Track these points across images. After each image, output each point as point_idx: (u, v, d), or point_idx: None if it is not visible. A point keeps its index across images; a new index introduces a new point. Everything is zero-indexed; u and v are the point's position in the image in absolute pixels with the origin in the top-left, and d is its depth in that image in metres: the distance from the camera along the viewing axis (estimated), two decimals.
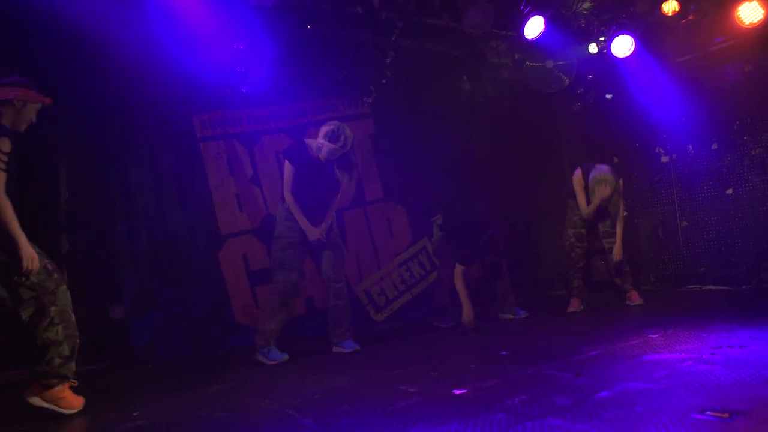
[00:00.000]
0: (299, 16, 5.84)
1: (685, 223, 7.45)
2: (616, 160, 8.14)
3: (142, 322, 5.66)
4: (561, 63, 7.25)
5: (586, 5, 6.72)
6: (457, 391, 3.12)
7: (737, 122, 6.94)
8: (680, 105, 7.37)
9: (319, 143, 4.92)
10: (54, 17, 4.81)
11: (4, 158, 3.36)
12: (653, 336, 4.18)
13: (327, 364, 4.59)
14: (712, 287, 6.90)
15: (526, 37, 6.47)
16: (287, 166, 5.04)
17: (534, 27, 6.38)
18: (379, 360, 4.60)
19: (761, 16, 6.17)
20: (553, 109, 8.22)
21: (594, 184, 5.97)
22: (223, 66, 5.86)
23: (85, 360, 4.59)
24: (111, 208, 5.78)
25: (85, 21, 4.89)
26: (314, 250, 5.10)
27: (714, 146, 7.15)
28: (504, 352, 4.22)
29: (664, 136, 7.64)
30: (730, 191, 7.01)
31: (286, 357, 4.86)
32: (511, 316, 6.16)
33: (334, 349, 5.05)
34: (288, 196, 5.01)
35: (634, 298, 6.08)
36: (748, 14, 6.22)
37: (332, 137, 4.88)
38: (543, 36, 6.47)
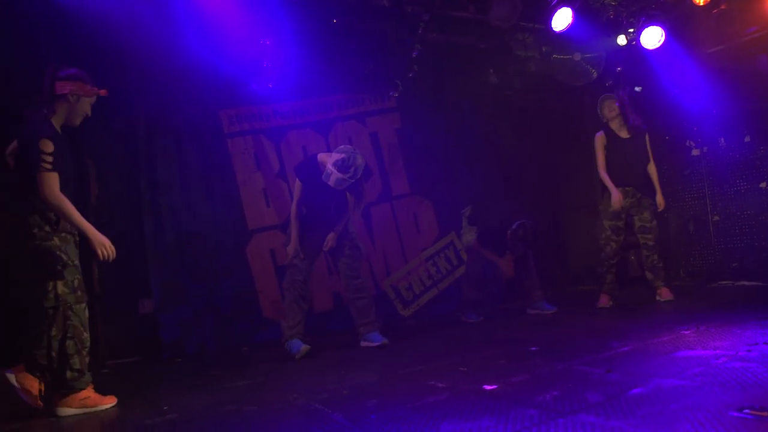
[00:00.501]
0: (325, 10, 5.83)
1: (716, 217, 7.33)
2: None
3: (170, 317, 5.72)
4: (589, 55, 7.17)
5: None
6: (487, 387, 3.09)
7: None
8: (711, 96, 7.24)
9: (329, 170, 4.77)
10: (79, 12, 4.85)
11: (49, 158, 3.41)
12: (685, 332, 4.11)
13: (355, 359, 4.58)
14: (745, 283, 6.78)
15: (554, 29, 6.39)
16: (297, 183, 5.08)
17: (562, 19, 6.30)
18: (406, 355, 4.58)
19: None
20: (580, 102, 8.13)
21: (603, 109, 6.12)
22: (249, 61, 5.90)
23: (114, 354, 4.67)
24: (139, 204, 5.84)
25: (111, 17, 4.94)
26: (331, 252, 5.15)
27: (747, 138, 7.01)
28: (533, 348, 4.18)
29: (695, 128, 7.51)
30: (763, 184, 6.87)
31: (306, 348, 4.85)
32: (538, 311, 6.11)
33: (362, 343, 5.05)
34: (293, 209, 5.05)
35: (665, 294, 5.98)
36: None
37: (342, 167, 4.72)
38: (571, 28, 6.39)
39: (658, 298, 6.01)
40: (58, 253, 3.51)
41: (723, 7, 6.55)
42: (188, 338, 5.75)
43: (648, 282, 6.16)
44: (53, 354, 3.47)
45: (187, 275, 5.87)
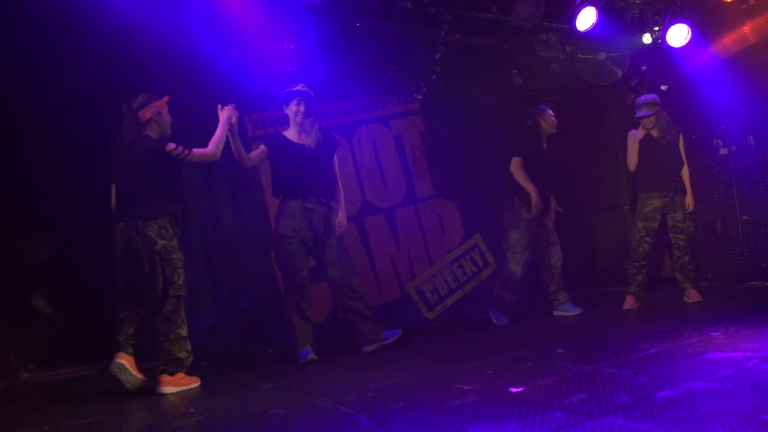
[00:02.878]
0: (348, 13, 5.85)
1: (745, 217, 7.21)
2: None
3: (196, 320, 5.74)
4: (613, 54, 7.12)
5: None
6: (514, 389, 3.08)
7: None
8: (739, 95, 7.13)
9: (290, 112, 4.97)
10: (101, 16, 4.92)
11: (179, 148, 4.15)
12: (714, 334, 4.06)
13: (379, 362, 4.58)
14: None
15: (578, 29, 6.36)
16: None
17: (586, 18, 6.26)
18: (432, 357, 4.58)
19: None
20: (605, 102, 8.06)
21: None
22: (273, 66, 5.93)
23: (142, 357, 4.70)
24: None
25: (136, 22, 4.99)
26: (315, 249, 5.03)
27: None
28: (560, 350, 4.15)
29: (723, 127, 7.40)
30: None
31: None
32: (564, 313, 6.07)
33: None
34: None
35: (692, 296, 5.92)
36: None
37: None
38: (595, 27, 6.36)
39: (685, 299, 5.94)
40: (180, 251, 4.24)
41: (751, 2, 6.47)
42: (213, 341, 5.79)
43: (677, 282, 6.10)
44: (171, 336, 4.13)
45: (212, 278, 5.92)
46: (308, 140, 5.01)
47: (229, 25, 5.44)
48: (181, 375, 4.17)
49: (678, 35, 6.70)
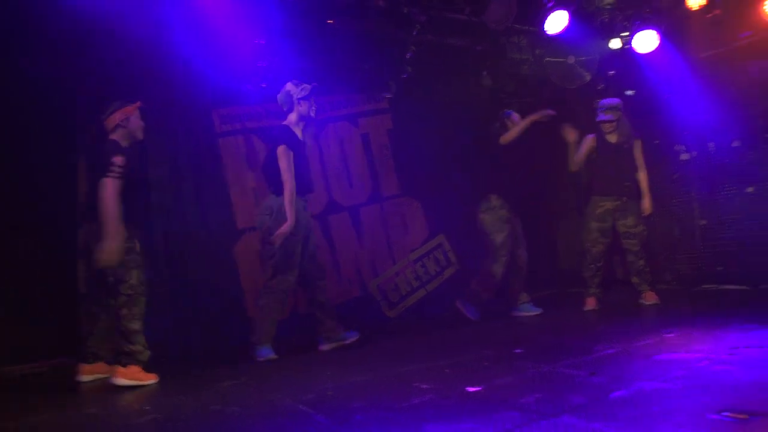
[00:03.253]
0: (320, 10, 5.84)
1: (703, 221, 7.36)
2: None
3: (155, 316, 5.64)
4: (583, 59, 7.21)
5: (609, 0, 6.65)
6: (471, 389, 3.11)
7: (760, 120, 6.83)
8: (702, 101, 7.27)
9: (303, 109, 4.96)
10: (65, 9, 4.84)
11: (118, 170, 4.11)
12: (669, 335, 4.14)
13: (339, 360, 4.60)
14: (730, 287, 6.81)
15: (548, 32, 6.42)
16: (284, 151, 4.79)
17: (557, 22, 6.32)
18: (392, 356, 4.60)
19: None
20: (573, 106, 8.15)
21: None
22: (243, 61, 5.89)
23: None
24: None
25: (99, 14, 4.91)
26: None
27: (736, 144, 7.05)
28: (519, 350, 4.20)
29: (685, 133, 7.54)
30: (750, 189, 6.90)
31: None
32: (525, 313, 6.13)
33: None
34: (286, 182, 4.75)
35: (650, 298, 6.03)
36: None
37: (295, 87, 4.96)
38: (565, 31, 6.42)
39: (643, 301, 6.05)
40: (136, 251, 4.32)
41: (717, 11, 6.59)
42: (173, 337, 5.70)
43: (633, 286, 6.19)
44: (122, 329, 4.21)
45: (174, 274, 5.85)
46: (306, 138, 5.08)
47: (199, 18, 5.39)
48: (135, 369, 4.18)
49: (646, 41, 6.79)
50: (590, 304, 6.11)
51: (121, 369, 4.15)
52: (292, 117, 5.03)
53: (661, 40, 6.76)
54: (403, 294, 7.07)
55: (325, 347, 5.02)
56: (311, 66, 6.36)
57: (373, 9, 5.84)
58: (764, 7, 6.19)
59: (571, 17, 6.35)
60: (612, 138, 6.18)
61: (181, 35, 5.39)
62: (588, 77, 7.29)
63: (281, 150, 4.79)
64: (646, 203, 6.18)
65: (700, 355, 3.43)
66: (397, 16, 6.01)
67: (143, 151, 5.83)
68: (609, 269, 6.27)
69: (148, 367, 4.25)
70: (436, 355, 4.36)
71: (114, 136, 4.32)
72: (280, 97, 5.07)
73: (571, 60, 7.26)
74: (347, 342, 5.02)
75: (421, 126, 7.40)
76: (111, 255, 4.05)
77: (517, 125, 6.18)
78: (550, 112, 6.05)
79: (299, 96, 4.98)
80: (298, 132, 5.02)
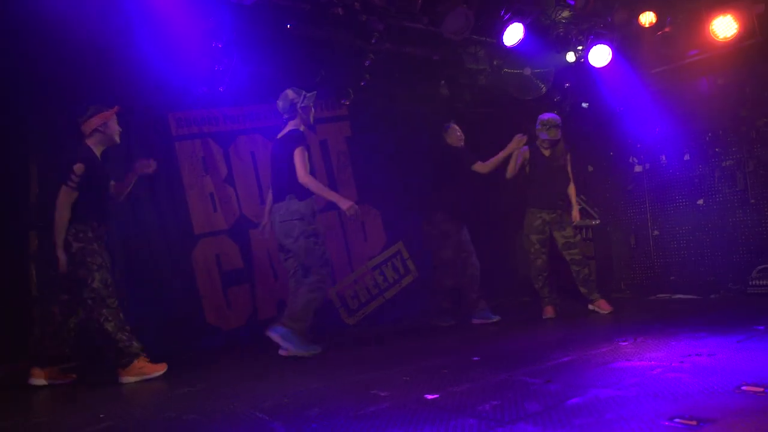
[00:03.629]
0: (279, 15, 5.79)
1: (656, 232, 7.54)
2: (590, 168, 8.24)
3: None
4: (539, 71, 7.32)
5: (565, 14, 6.77)
6: (429, 396, 3.11)
7: (709, 134, 7.05)
8: (654, 115, 7.48)
9: (310, 116, 5.09)
10: (21, 11, 4.74)
11: (76, 179, 4.20)
12: (623, 344, 4.21)
13: (299, 367, 4.55)
14: (681, 296, 6.99)
15: (505, 44, 6.49)
16: (301, 152, 4.87)
17: (513, 34, 6.40)
18: (350, 363, 4.58)
19: (734, 31, 6.28)
20: (529, 117, 8.26)
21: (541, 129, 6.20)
22: (200, 64, 5.81)
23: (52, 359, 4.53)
24: None
25: (54, 14, 4.80)
26: None
27: (686, 157, 7.26)
28: (476, 358, 4.22)
29: (638, 145, 7.73)
30: (701, 202, 7.12)
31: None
32: (482, 321, 6.17)
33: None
34: (309, 179, 4.85)
35: (603, 306, 6.12)
36: (723, 28, 6.34)
37: (297, 95, 5.01)
38: (522, 43, 6.50)
39: (595, 308, 6.14)
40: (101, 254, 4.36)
41: (667, 29, 6.78)
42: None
43: (582, 296, 6.28)
44: (104, 333, 4.31)
45: (130, 279, 5.74)
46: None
47: (156, 21, 5.30)
48: (137, 364, 4.33)
49: (600, 56, 6.95)
50: (548, 312, 6.18)
51: (121, 369, 4.30)
52: (297, 124, 5.09)
53: (615, 54, 6.93)
54: (362, 301, 7.05)
55: (285, 353, 4.91)
56: (268, 71, 6.32)
57: (331, 17, 5.82)
58: (711, 27, 6.39)
59: (528, 30, 6.44)
60: (547, 152, 6.29)
61: (138, 37, 5.30)
62: (544, 89, 7.40)
63: (299, 151, 4.86)
64: (574, 213, 6.30)
65: (653, 363, 3.50)
66: (355, 24, 6.00)
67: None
68: (568, 277, 6.34)
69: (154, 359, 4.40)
70: (394, 362, 4.36)
71: (90, 141, 4.45)
72: (280, 103, 5.10)
73: (528, 71, 7.36)
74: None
75: (380, 133, 7.41)
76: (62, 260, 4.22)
77: (456, 137, 6.36)
78: (521, 136, 6.10)
79: (303, 104, 5.04)
80: None
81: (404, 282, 7.30)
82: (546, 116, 6.29)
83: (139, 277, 5.80)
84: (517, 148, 6.07)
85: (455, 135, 6.40)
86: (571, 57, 7.22)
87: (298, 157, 4.83)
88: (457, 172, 6.28)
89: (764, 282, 6.41)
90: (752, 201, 6.73)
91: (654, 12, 6.61)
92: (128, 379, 4.29)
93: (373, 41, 6.22)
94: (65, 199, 4.20)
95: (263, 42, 5.96)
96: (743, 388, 2.75)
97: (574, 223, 6.31)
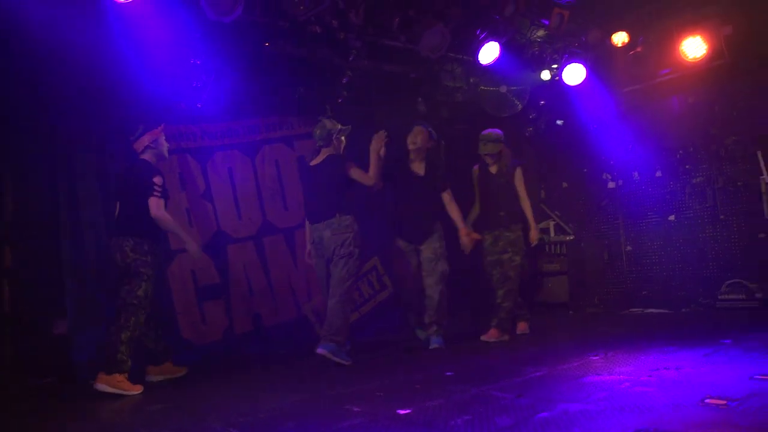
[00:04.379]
0: (257, 33, 5.84)
1: (629, 247, 7.67)
2: (565, 184, 8.38)
3: (86, 337, 5.53)
4: (515, 88, 7.44)
5: (540, 33, 6.91)
6: (402, 411, 3.14)
7: (680, 151, 7.21)
8: (627, 133, 7.64)
9: (338, 137, 5.41)
10: None
11: (159, 188, 4.63)
12: (594, 358, 4.29)
13: (272, 382, 4.58)
14: (653, 310, 7.12)
15: (481, 62, 6.60)
16: (356, 168, 5.29)
17: (489, 53, 6.51)
18: (325, 378, 4.59)
19: (704, 52, 6.44)
20: (505, 134, 8.36)
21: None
22: (178, 80, 5.83)
23: (25, 375, 4.51)
24: (57, 221, 5.65)
25: (29, 28, 4.81)
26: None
27: (658, 174, 7.41)
28: (449, 373, 4.26)
29: (612, 162, 7.88)
30: (672, 218, 7.26)
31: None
32: (436, 345, 5.59)
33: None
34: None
35: (492, 335, 5.77)
36: (692, 49, 6.51)
37: (334, 126, 5.39)
38: (498, 62, 6.62)
39: (485, 339, 5.76)
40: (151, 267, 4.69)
41: (639, 49, 6.94)
42: (103, 357, 5.56)
43: (553, 311, 6.23)
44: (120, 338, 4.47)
45: (106, 295, 5.70)
46: None
47: (134, 36, 5.32)
48: (120, 377, 4.35)
49: (574, 74, 7.10)
50: (521, 327, 6.20)
51: (104, 375, 4.32)
52: (331, 151, 5.39)
53: (589, 73, 7.07)
54: None
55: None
56: (247, 87, 6.36)
57: (309, 34, 5.88)
58: (682, 48, 6.56)
59: (504, 49, 6.55)
60: (493, 169, 6.14)
61: (117, 53, 5.32)
62: (519, 106, 7.52)
63: (355, 168, 5.26)
64: (532, 234, 6.06)
65: (621, 377, 3.57)
66: (333, 41, 6.06)
67: (72, 167, 5.74)
68: (540, 292, 6.42)
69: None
70: (368, 377, 4.39)
71: (145, 156, 4.83)
72: (317, 132, 5.37)
73: (504, 89, 7.48)
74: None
75: (357, 149, 7.44)
76: (197, 254, 4.85)
77: (411, 139, 5.90)
78: (382, 132, 5.56)
79: (339, 134, 5.40)
80: None
81: (380, 297, 7.33)
82: (484, 131, 6.16)
83: (114, 290, 5.76)
84: (379, 146, 5.43)
85: (411, 138, 5.89)
86: (546, 75, 7.37)
87: (357, 173, 5.22)
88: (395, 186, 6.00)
89: (733, 296, 6.57)
90: (721, 217, 6.88)
91: (626, 32, 6.77)
92: (104, 387, 4.30)
93: (350, 58, 6.29)
94: (158, 206, 4.61)
95: (242, 59, 5.99)
96: (707, 400, 2.83)
97: (533, 244, 6.12)
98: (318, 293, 6.95)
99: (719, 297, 6.66)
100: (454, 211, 5.74)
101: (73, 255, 5.64)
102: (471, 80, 7.52)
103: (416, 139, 5.81)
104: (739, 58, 6.41)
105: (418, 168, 5.86)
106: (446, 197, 5.77)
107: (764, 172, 5.91)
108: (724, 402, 2.78)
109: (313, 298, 6.89)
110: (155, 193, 4.62)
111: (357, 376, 4.56)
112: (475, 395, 3.43)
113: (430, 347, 5.53)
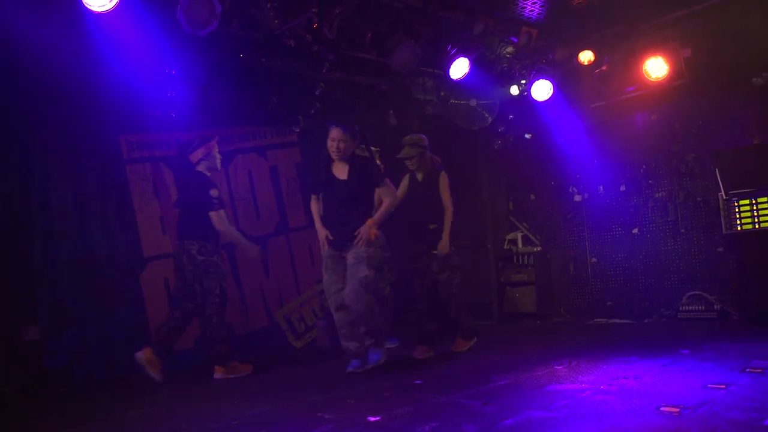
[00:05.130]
0: (231, 44, 5.91)
1: (594, 259, 7.87)
2: (533, 196, 8.55)
3: (57, 344, 5.54)
4: (484, 102, 7.61)
5: (509, 50, 7.08)
6: (371, 418, 3.24)
7: (643, 167, 7.44)
8: (593, 148, 7.85)
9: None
10: None
11: (217, 201, 5.18)
12: (558, 367, 4.43)
13: (245, 389, 4.63)
14: (617, 320, 7.31)
15: (452, 77, 6.74)
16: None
17: (459, 68, 6.65)
18: (297, 385, 4.68)
19: (665, 72, 6.66)
20: (474, 146, 8.54)
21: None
22: (153, 89, 5.88)
23: None
24: (29, 227, 5.65)
25: (5, 37, 4.82)
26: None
27: (622, 188, 7.63)
28: (418, 381, 4.37)
29: (578, 176, 8.08)
30: (635, 231, 7.48)
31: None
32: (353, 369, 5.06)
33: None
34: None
35: (420, 352, 5.57)
36: (655, 69, 6.73)
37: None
38: (468, 76, 6.75)
39: (453, 348, 5.71)
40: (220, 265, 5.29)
41: (605, 67, 7.15)
42: (76, 366, 5.57)
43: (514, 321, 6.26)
44: (213, 335, 5.12)
45: (78, 301, 5.72)
46: None
47: (111, 46, 5.36)
48: (233, 364, 5.14)
49: (541, 90, 7.29)
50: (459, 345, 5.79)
51: (220, 368, 5.06)
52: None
53: (556, 89, 7.28)
54: (309, 325, 7.14)
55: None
56: (221, 97, 6.42)
57: (283, 47, 5.95)
58: (645, 67, 6.78)
59: (473, 64, 6.70)
60: (419, 175, 5.82)
61: (91, 61, 5.34)
62: (489, 120, 7.69)
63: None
64: (441, 246, 5.57)
65: (584, 386, 3.71)
66: (306, 54, 6.15)
67: (46, 175, 5.74)
68: (507, 302, 6.54)
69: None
70: (340, 384, 4.47)
71: (200, 168, 5.33)
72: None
73: (474, 103, 7.64)
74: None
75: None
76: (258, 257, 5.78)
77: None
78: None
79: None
80: None
81: None
82: (409, 136, 5.90)
83: (87, 300, 5.78)
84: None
85: (329, 141, 5.23)
86: (514, 90, 7.56)
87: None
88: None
89: (693, 307, 6.78)
90: (682, 230, 7.11)
91: (592, 51, 6.96)
92: (224, 375, 5.05)
93: (323, 70, 6.39)
94: (220, 221, 5.17)
95: (216, 70, 6.06)
96: (662, 408, 2.98)
97: (438, 255, 5.61)
98: (289, 300, 7.02)
99: (680, 308, 6.87)
100: (384, 204, 5.15)
101: (44, 261, 5.65)
102: (442, 93, 7.68)
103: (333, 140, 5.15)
104: (698, 78, 6.64)
105: (340, 172, 5.18)
106: (382, 191, 5.19)
107: (722, 188, 6.12)
108: (677, 410, 2.93)
109: (285, 305, 6.96)
110: (215, 207, 5.13)
111: (329, 384, 4.62)
112: (443, 403, 3.54)
113: (368, 365, 4.98)
